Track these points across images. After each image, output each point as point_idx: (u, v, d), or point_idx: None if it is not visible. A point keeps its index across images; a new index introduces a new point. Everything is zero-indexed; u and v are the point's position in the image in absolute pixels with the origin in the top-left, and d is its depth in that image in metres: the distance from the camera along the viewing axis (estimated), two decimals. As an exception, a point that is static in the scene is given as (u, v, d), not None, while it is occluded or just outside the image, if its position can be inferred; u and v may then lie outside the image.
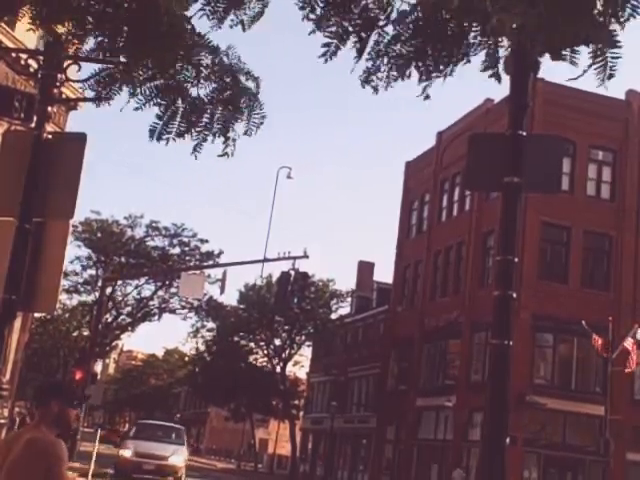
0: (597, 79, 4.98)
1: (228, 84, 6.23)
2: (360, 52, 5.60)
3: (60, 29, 5.93)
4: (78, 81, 6.88)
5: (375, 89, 5.77)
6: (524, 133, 5.70)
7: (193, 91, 6.24)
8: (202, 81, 6.18)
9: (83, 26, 5.66)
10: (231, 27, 5.68)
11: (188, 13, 5.77)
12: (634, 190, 38.49)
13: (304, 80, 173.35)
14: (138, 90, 6.08)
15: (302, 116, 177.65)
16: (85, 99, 6.52)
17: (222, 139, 6.35)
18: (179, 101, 6.24)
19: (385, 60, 5.61)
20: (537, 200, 32.39)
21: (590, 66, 4.96)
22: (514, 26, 4.76)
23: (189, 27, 5.80)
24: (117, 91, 6.25)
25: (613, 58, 4.96)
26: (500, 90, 40.11)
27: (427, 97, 5.77)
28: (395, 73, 5.65)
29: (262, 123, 6.39)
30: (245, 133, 6.34)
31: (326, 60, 5.62)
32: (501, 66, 5.44)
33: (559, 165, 6.36)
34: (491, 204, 35.30)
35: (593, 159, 39.13)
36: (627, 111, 39.16)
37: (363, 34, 5.59)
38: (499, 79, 5.43)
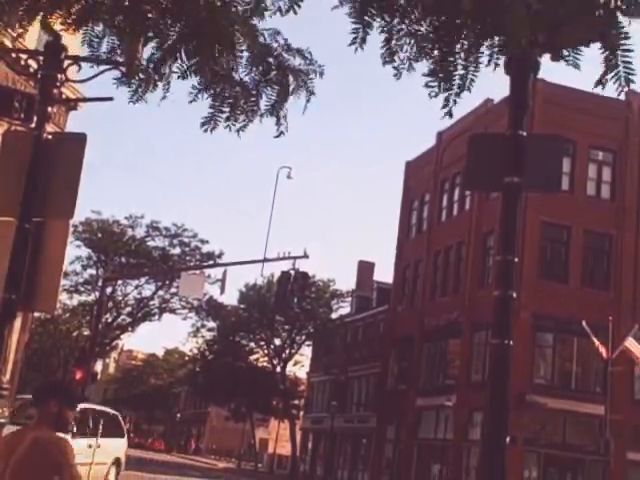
0: (615, 89, 4.88)
1: (272, 64, 6.23)
2: (388, 39, 5.36)
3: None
4: (78, 81, 6.89)
5: (397, 69, 5.54)
6: (524, 133, 5.70)
7: (237, 76, 6.24)
8: (246, 65, 6.19)
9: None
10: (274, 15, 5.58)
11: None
12: (634, 190, 38.50)
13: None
14: (189, 78, 6.03)
15: (302, 116, 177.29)
16: (85, 99, 6.51)
17: (274, 119, 6.38)
18: (227, 88, 6.23)
19: (407, 40, 5.42)
20: (537, 200, 32.39)
21: (604, 75, 4.84)
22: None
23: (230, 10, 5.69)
24: (169, 77, 6.15)
25: (626, 62, 4.85)
26: (500, 90, 40.00)
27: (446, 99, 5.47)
28: (416, 53, 5.42)
29: (310, 98, 6.42)
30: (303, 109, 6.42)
31: (356, 48, 5.31)
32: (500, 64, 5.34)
33: (559, 165, 6.35)
34: (491, 204, 35.30)
35: (593, 159, 39.14)
36: (627, 111, 39.13)
37: (387, 16, 5.39)
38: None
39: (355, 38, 5.34)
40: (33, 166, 6.40)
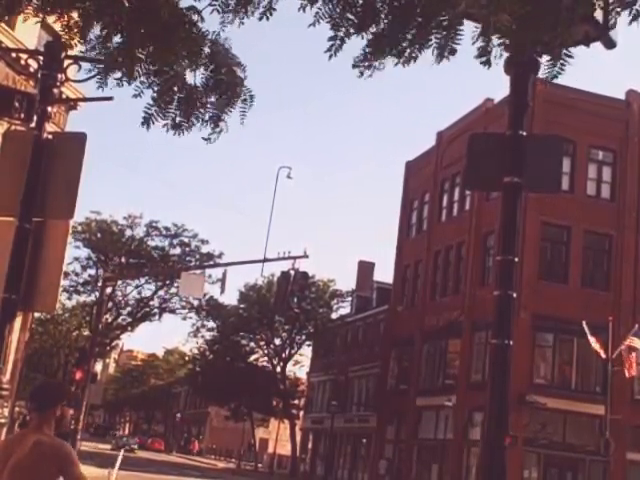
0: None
1: (222, 73, 6.25)
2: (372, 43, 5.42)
3: (61, 25, 5.88)
4: (78, 81, 6.88)
5: (361, 73, 5.59)
6: (524, 133, 5.70)
7: (189, 78, 6.24)
8: (198, 70, 6.19)
9: (86, 16, 5.60)
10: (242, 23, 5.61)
11: (199, 6, 5.75)
12: (634, 190, 38.49)
13: (303, 79, 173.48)
14: (137, 74, 6.01)
15: (303, 117, 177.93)
16: (85, 99, 6.51)
17: (212, 126, 6.36)
18: (175, 88, 6.22)
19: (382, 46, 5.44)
20: (537, 200, 32.39)
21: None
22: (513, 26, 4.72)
23: (194, 19, 5.73)
24: (118, 81, 6.14)
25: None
26: (500, 90, 40.09)
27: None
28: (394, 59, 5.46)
29: (248, 108, 6.42)
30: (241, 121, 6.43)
31: (331, 56, 5.37)
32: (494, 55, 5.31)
33: (559, 165, 6.35)
34: (491, 204, 35.31)
35: (593, 159, 39.14)
36: (627, 111, 39.16)
37: (366, 24, 5.44)
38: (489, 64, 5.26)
39: (331, 46, 5.39)
40: (33, 166, 6.40)
